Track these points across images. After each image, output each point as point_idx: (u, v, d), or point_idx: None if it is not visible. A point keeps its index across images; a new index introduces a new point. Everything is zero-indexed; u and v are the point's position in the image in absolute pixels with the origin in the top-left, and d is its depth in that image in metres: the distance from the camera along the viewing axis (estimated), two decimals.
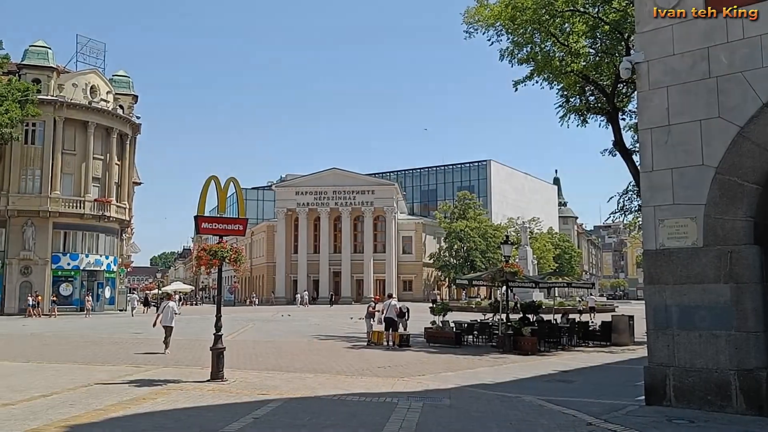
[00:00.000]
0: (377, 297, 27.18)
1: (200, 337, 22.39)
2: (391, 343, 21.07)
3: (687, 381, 9.97)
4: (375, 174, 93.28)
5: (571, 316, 25.93)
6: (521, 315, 23.09)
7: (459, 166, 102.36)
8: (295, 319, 38.50)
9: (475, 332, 23.18)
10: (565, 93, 27.76)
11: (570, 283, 26.18)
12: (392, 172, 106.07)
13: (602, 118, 27.44)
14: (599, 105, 27.01)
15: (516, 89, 27.61)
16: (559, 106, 28.49)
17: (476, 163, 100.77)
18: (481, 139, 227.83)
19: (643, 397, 10.64)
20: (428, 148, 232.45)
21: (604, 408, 10.50)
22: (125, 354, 18.81)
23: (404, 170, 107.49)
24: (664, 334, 10.28)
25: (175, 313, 19.56)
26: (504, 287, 21.86)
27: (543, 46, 25.59)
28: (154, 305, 58.24)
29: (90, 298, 47.34)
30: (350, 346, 21.40)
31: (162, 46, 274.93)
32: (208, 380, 12.83)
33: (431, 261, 77.78)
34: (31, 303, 43.82)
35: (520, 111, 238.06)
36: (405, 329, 21.66)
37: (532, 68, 26.35)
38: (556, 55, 25.45)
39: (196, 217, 12.88)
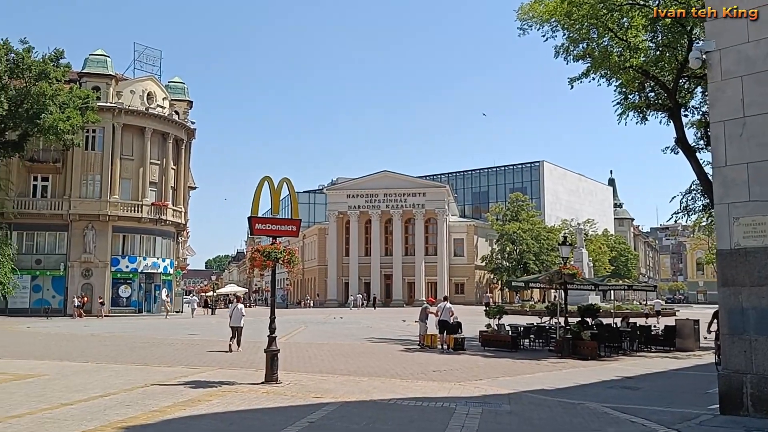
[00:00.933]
0: (430, 299, 26.81)
1: (254, 338, 22.46)
2: (445, 347, 20.70)
3: (766, 389, 9.33)
4: (426, 176, 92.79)
5: (632, 320, 25.04)
6: (579, 318, 22.39)
7: (511, 167, 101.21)
8: (347, 322, 38.48)
9: (532, 336, 22.60)
10: (624, 90, 26.95)
11: (631, 286, 25.12)
12: (443, 174, 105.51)
13: (663, 115, 26.55)
14: (660, 101, 26.10)
15: (572, 87, 26.94)
16: (617, 103, 27.69)
17: (528, 164, 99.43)
18: (533, 140, 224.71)
19: (717, 406, 10.01)
20: (480, 149, 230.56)
21: (675, 417, 9.95)
22: (180, 355, 18.99)
23: (455, 172, 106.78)
24: (740, 340, 9.65)
25: (243, 315, 20.61)
26: (562, 290, 21.19)
27: (600, 41, 24.89)
28: (210, 307, 59.45)
29: (169, 299, 48.84)
30: (404, 349, 21.13)
31: (215, 50, 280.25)
32: (262, 382, 12.73)
33: (483, 263, 76.85)
34: (77, 304, 45.03)
35: (574, 110, 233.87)
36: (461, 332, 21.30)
37: (588, 65, 25.68)
38: (614, 50, 24.71)
39: (250, 218, 12.82)
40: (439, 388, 12.77)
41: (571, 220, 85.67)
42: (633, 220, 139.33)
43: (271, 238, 13.12)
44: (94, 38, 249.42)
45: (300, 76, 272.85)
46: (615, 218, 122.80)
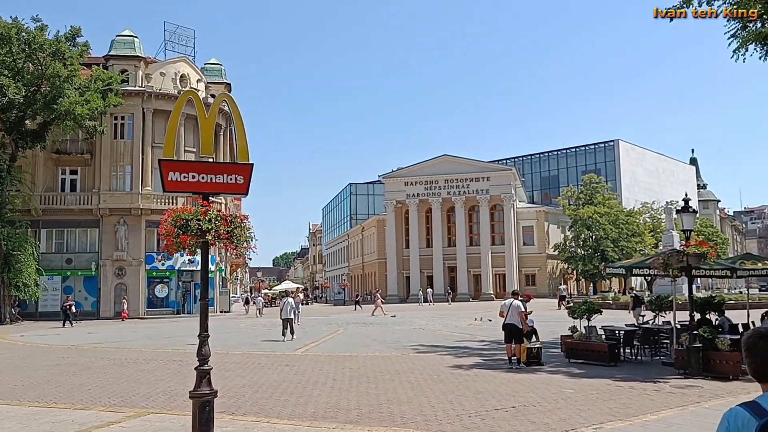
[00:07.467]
0: (527, 294, 21.04)
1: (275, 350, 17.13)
2: (515, 360, 14.81)
3: None
4: (491, 161, 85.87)
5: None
6: (699, 317, 16.09)
7: (583, 148, 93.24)
8: (398, 322, 32.68)
9: (636, 342, 16.40)
10: (742, 17, 20.40)
11: None
12: (509, 158, 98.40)
13: None
14: None
15: (671, 20, 20.56)
16: (732, 35, 21.13)
17: (602, 144, 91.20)
18: (605, 119, 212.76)
19: None
20: (546, 132, 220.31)
21: None
22: (129, 383, 13.66)
23: (522, 156, 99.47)
24: None
25: (293, 308, 23.78)
26: (684, 276, 14.89)
27: None
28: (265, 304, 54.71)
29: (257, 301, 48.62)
30: (456, 365, 15.20)
31: (258, 37, 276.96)
32: None
33: (556, 252, 69.73)
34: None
35: (649, 85, 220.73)
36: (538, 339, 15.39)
37: None
38: None
39: (161, 161, 7.38)
40: None
41: (652, 202, 77.52)
42: (719, 202, 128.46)
43: (200, 198, 7.61)
44: (124, 21, 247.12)
45: (353, 59, 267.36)
46: (699, 200, 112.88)
